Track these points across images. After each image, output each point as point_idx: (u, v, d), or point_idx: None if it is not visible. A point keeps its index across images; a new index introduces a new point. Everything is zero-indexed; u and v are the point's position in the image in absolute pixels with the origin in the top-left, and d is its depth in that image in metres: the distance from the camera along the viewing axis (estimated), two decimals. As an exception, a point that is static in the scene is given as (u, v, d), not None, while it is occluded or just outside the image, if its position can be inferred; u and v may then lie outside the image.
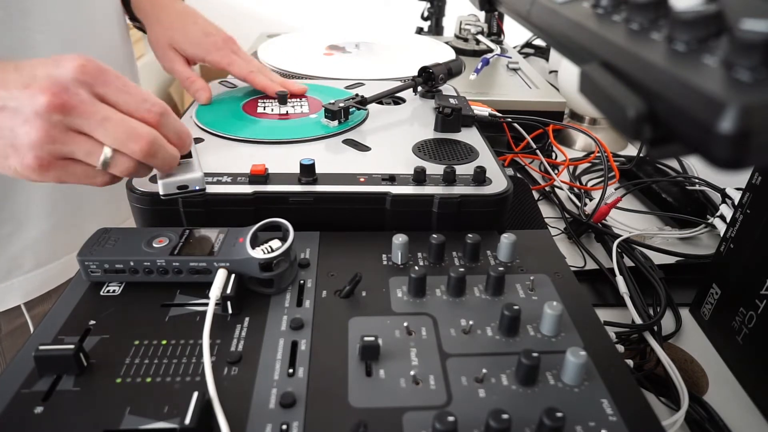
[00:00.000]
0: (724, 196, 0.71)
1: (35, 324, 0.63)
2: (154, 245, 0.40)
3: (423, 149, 0.55)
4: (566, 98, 0.90)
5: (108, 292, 0.39)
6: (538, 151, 0.81)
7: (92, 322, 0.36)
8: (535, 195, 0.78)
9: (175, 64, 0.66)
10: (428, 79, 0.69)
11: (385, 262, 0.43)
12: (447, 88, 0.72)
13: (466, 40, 1.20)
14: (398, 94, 0.68)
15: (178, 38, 0.66)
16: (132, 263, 0.39)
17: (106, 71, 0.38)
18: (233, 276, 0.38)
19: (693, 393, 0.47)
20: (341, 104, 0.59)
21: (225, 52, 0.67)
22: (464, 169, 0.50)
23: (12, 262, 0.61)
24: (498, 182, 0.48)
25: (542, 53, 1.45)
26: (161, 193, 0.43)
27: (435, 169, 0.50)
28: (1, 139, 0.37)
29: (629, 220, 0.75)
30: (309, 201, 0.46)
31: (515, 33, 1.36)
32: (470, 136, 0.59)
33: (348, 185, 0.47)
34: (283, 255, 0.39)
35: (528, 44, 1.48)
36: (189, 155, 0.46)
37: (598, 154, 0.83)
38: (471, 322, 0.37)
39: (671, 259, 0.65)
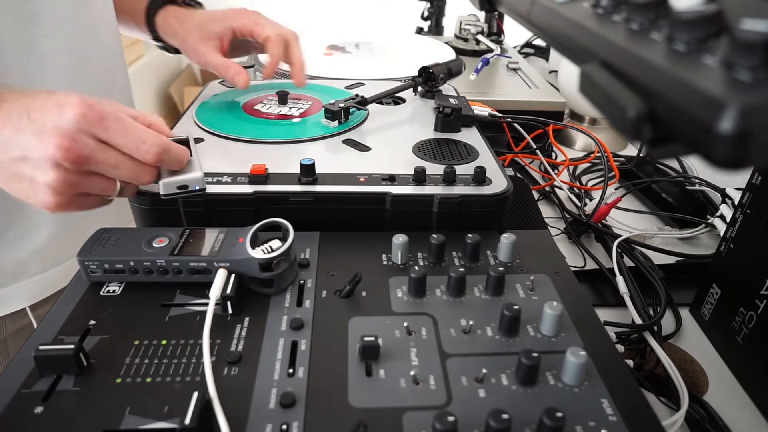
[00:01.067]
0: (724, 196, 0.71)
1: None
2: (154, 245, 0.40)
3: (423, 149, 0.55)
4: (566, 98, 0.90)
5: (108, 292, 0.39)
6: (538, 151, 0.81)
7: (92, 322, 0.37)
8: (535, 195, 0.78)
9: (206, 55, 0.66)
10: (428, 79, 0.69)
11: (385, 262, 0.43)
12: (447, 88, 0.72)
13: (466, 40, 1.20)
14: (398, 94, 0.68)
15: (205, 25, 0.66)
16: (132, 263, 0.39)
17: (106, 117, 0.40)
18: (233, 276, 0.38)
19: (693, 393, 0.47)
20: (341, 104, 0.59)
21: (250, 15, 0.67)
22: (464, 169, 0.50)
23: (19, 266, 0.61)
24: (498, 182, 0.48)
25: (542, 53, 1.45)
26: (161, 193, 0.43)
27: (435, 169, 0.50)
28: (23, 183, 0.40)
29: (629, 220, 0.75)
30: (309, 201, 0.46)
31: (515, 33, 1.36)
32: (470, 136, 0.58)
33: (348, 185, 0.47)
34: (283, 255, 0.39)
35: (528, 44, 1.48)
36: (189, 155, 0.46)
37: (598, 154, 0.83)
38: (471, 322, 0.37)
39: (671, 259, 0.65)
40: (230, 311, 0.37)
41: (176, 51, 0.72)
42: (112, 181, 0.42)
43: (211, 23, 0.66)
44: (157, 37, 0.72)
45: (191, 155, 0.47)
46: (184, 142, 0.47)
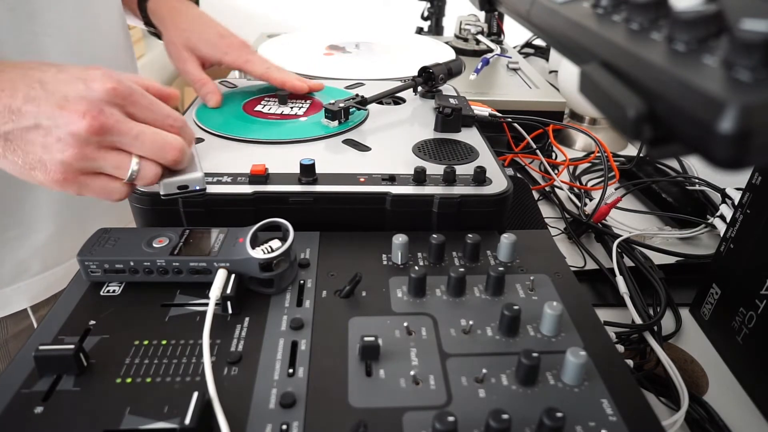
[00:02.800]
0: (724, 196, 0.71)
1: None
2: (154, 245, 0.40)
3: (423, 149, 0.55)
4: (566, 98, 0.90)
5: (108, 292, 0.39)
6: (538, 151, 0.81)
7: (92, 322, 0.37)
8: (535, 195, 0.78)
9: (188, 64, 0.66)
10: (428, 79, 0.69)
11: (385, 262, 0.43)
12: (447, 88, 0.72)
13: (466, 40, 1.20)
14: (398, 94, 0.68)
15: (194, 40, 0.66)
16: (132, 263, 0.39)
17: (134, 92, 0.40)
18: (233, 276, 0.38)
19: (693, 393, 0.47)
20: (341, 104, 0.59)
21: (241, 52, 0.67)
22: (464, 169, 0.50)
23: (19, 266, 0.61)
24: (498, 182, 0.48)
25: (542, 53, 1.45)
26: (161, 193, 0.43)
27: (435, 169, 0.50)
28: (30, 154, 0.39)
29: (629, 220, 0.75)
30: (309, 201, 0.46)
31: (515, 33, 1.36)
32: (470, 136, 0.58)
33: (348, 185, 0.47)
34: (283, 255, 0.39)
35: (528, 44, 1.48)
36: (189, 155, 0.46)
37: (598, 154, 0.83)
38: (471, 322, 0.37)
39: (671, 259, 0.65)
40: (230, 311, 0.37)
41: None
42: (128, 157, 0.40)
43: (201, 43, 0.66)
44: (148, 22, 0.72)
45: (191, 153, 0.47)
46: None
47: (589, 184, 0.84)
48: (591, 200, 0.75)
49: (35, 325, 0.64)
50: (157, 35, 0.73)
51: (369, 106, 0.63)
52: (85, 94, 0.38)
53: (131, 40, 0.75)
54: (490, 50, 1.12)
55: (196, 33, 0.67)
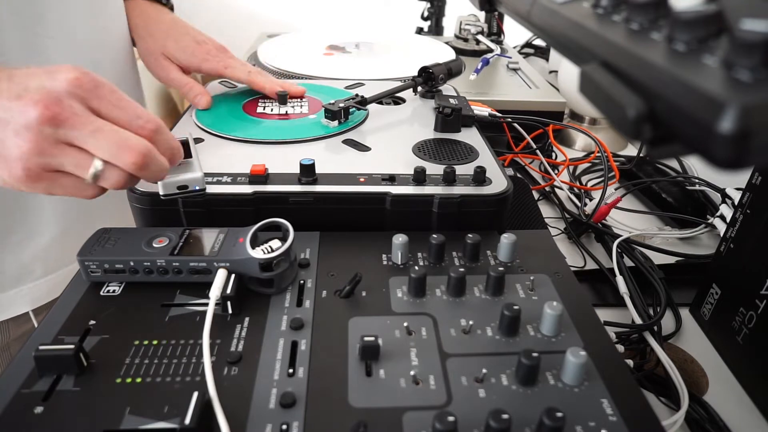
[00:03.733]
0: (724, 196, 0.71)
1: None
2: (154, 245, 0.40)
3: (423, 149, 0.55)
4: (566, 98, 0.90)
5: (108, 292, 0.39)
6: (538, 151, 0.81)
7: (92, 322, 0.36)
8: (535, 195, 0.78)
9: (170, 72, 0.66)
10: (428, 79, 0.69)
11: (385, 262, 0.43)
12: (447, 88, 0.72)
13: (466, 40, 1.20)
14: (398, 94, 0.68)
15: (171, 48, 0.66)
16: (132, 263, 0.39)
17: (101, 85, 0.38)
18: (233, 276, 0.38)
19: (693, 393, 0.47)
20: (341, 104, 0.59)
21: (220, 57, 0.67)
22: (464, 169, 0.50)
23: (22, 269, 0.61)
24: (498, 182, 0.48)
25: (542, 53, 1.45)
26: (161, 193, 0.43)
27: (435, 169, 0.50)
28: None
29: (629, 220, 0.75)
30: (309, 201, 0.46)
31: (515, 33, 1.36)
32: (470, 136, 0.58)
33: (348, 185, 0.47)
34: (283, 255, 0.39)
35: (528, 44, 1.48)
36: (189, 155, 0.46)
37: (598, 154, 0.83)
38: (471, 322, 0.37)
39: (671, 259, 0.65)
40: (230, 311, 0.37)
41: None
42: (88, 156, 0.37)
43: (179, 51, 0.66)
44: None
45: (191, 156, 0.47)
46: (184, 143, 0.47)
47: (589, 184, 0.84)
48: (591, 200, 0.75)
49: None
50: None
51: (369, 106, 0.63)
52: (46, 84, 0.36)
53: (133, 48, 0.74)
54: (490, 50, 1.12)
55: (171, 41, 0.66)
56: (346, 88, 0.73)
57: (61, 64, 0.37)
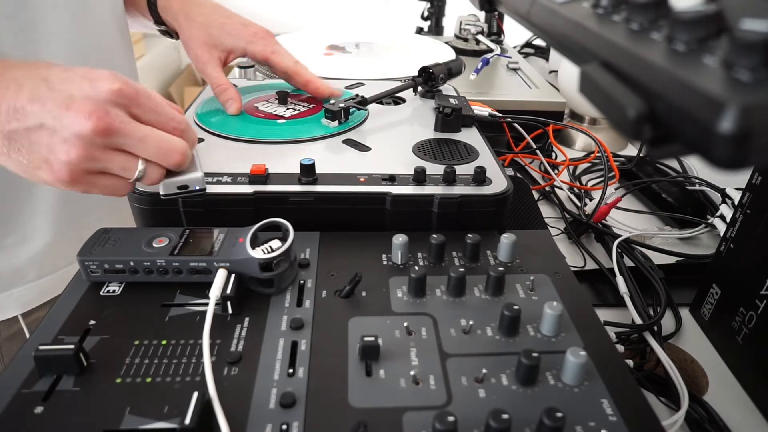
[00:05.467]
0: (724, 196, 0.71)
1: (31, 330, 0.63)
2: (154, 245, 0.40)
3: (423, 149, 0.55)
4: (566, 98, 0.90)
5: (108, 292, 0.39)
6: (538, 151, 0.81)
7: (92, 322, 0.36)
8: (535, 195, 0.78)
9: (208, 66, 0.62)
10: (428, 79, 0.69)
11: (385, 262, 0.43)
12: (447, 88, 0.72)
13: (466, 40, 1.20)
14: (398, 94, 0.68)
15: (216, 33, 0.63)
16: (132, 263, 0.39)
17: (140, 93, 0.40)
18: (233, 276, 0.38)
19: (693, 393, 0.47)
20: (341, 104, 0.59)
21: (267, 41, 0.64)
22: (464, 169, 0.50)
23: (16, 273, 0.61)
24: (498, 182, 0.48)
25: (542, 53, 1.45)
26: (161, 193, 0.43)
27: (435, 169, 0.50)
28: (35, 153, 0.38)
29: (629, 220, 0.75)
30: (309, 201, 0.46)
31: (515, 33, 1.36)
32: (470, 136, 0.58)
33: (348, 185, 0.47)
34: (283, 255, 0.39)
35: (528, 44, 1.48)
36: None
37: (598, 154, 0.83)
38: (471, 322, 0.37)
39: (671, 259, 0.65)
40: (230, 311, 0.37)
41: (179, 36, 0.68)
42: (134, 159, 0.40)
43: (224, 35, 0.63)
44: (158, 20, 0.68)
45: (191, 153, 0.47)
46: None
47: (589, 184, 0.84)
48: (591, 200, 0.75)
49: (25, 330, 0.63)
50: (170, 34, 0.70)
51: (369, 106, 0.63)
52: (91, 94, 0.37)
53: (132, 44, 0.74)
54: (490, 50, 1.12)
55: (216, 25, 0.63)
56: (346, 88, 0.73)
57: (92, 69, 0.39)
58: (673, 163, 0.88)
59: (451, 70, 0.70)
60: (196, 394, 0.29)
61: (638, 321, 0.53)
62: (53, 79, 0.38)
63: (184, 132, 0.43)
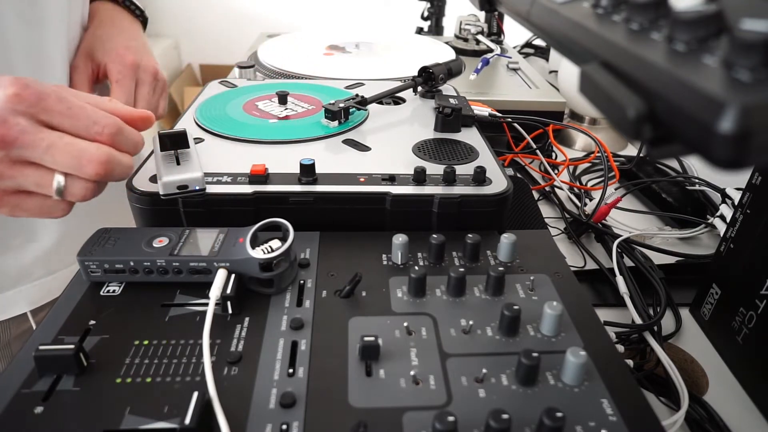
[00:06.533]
0: (724, 196, 0.71)
1: None
2: (154, 245, 0.40)
3: (423, 149, 0.55)
4: (566, 98, 0.90)
5: (108, 292, 0.39)
6: (538, 151, 0.81)
7: (92, 322, 0.36)
8: (535, 195, 0.78)
9: (75, 72, 0.59)
10: (428, 79, 0.69)
11: (385, 262, 0.43)
12: (447, 88, 0.72)
13: (466, 40, 1.20)
14: (398, 94, 0.68)
15: (97, 46, 0.60)
16: (132, 263, 0.39)
17: (46, 96, 0.35)
18: (233, 276, 0.38)
19: (693, 393, 0.47)
20: (341, 104, 0.59)
21: (128, 71, 0.59)
22: (464, 169, 0.50)
23: (23, 271, 0.61)
24: (498, 182, 0.48)
25: (542, 53, 1.45)
26: (161, 193, 0.43)
27: (435, 169, 0.50)
28: None
29: (629, 220, 0.75)
30: (309, 201, 0.46)
31: (515, 33, 1.36)
32: (470, 136, 0.59)
33: (348, 185, 0.47)
34: (283, 255, 0.39)
35: (528, 44, 1.48)
36: (187, 146, 0.46)
37: (598, 154, 0.83)
38: (471, 322, 0.37)
39: (671, 259, 0.65)
40: (230, 311, 0.37)
41: None
42: (48, 172, 0.35)
43: (101, 51, 0.60)
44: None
45: (191, 153, 0.47)
46: (182, 135, 0.47)
47: (589, 184, 0.84)
48: (591, 200, 0.75)
49: (35, 327, 0.64)
50: None
51: (369, 106, 0.63)
52: None
53: None
54: (490, 50, 1.12)
55: (102, 40, 0.60)
56: (346, 88, 0.73)
57: (1, 76, 0.35)
58: (673, 163, 0.88)
59: (451, 70, 0.70)
60: (196, 394, 0.29)
61: (638, 321, 0.53)
62: None
63: (113, 136, 0.37)
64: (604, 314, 0.55)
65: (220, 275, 0.38)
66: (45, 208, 0.38)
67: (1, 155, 0.34)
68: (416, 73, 0.69)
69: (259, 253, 0.38)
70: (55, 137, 0.35)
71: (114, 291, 0.39)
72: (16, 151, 0.34)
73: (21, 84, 0.35)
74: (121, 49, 0.60)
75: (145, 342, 0.35)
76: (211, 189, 0.45)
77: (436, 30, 1.44)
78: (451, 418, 0.28)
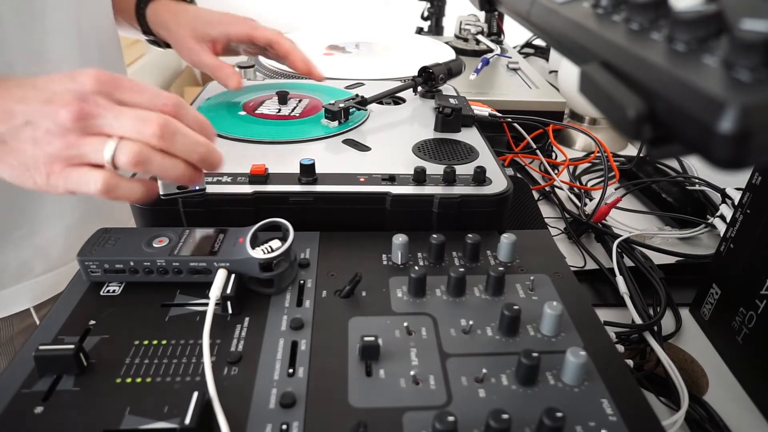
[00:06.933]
0: (724, 196, 0.71)
1: None
2: (154, 245, 0.40)
3: (423, 149, 0.55)
4: (566, 98, 0.90)
5: (108, 292, 0.39)
6: (538, 151, 0.81)
7: (92, 322, 0.36)
8: (535, 195, 0.78)
9: (201, 55, 0.66)
10: (428, 79, 0.69)
11: (385, 262, 0.43)
12: (447, 88, 0.72)
13: (466, 40, 1.20)
14: (398, 94, 0.68)
15: (200, 26, 0.66)
16: (132, 263, 0.39)
17: (120, 78, 0.39)
18: (233, 276, 0.38)
19: (693, 393, 0.47)
20: (341, 104, 0.59)
21: (248, 22, 0.67)
22: (464, 169, 0.50)
23: (23, 266, 0.61)
24: (498, 182, 0.48)
25: (542, 53, 1.45)
26: (161, 192, 0.43)
27: (435, 169, 0.50)
28: (23, 152, 0.38)
29: (629, 220, 0.75)
30: (309, 201, 0.46)
31: (515, 33, 1.36)
32: (470, 136, 0.58)
33: (348, 185, 0.47)
34: (283, 255, 0.39)
35: (528, 44, 1.48)
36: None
37: (598, 154, 0.83)
38: (471, 322, 0.37)
39: (671, 259, 0.65)
40: (230, 311, 0.37)
41: (167, 45, 0.71)
42: (107, 138, 0.38)
43: (207, 26, 0.66)
44: (147, 30, 0.71)
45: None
46: None
47: (589, 184, 0.84)
48: (591, 200, 0.75)
49: (38, 323, 0.64)
50: (157, 43, 0.73)
51: (369, 106, 0.63)
52: (71, 86, 0.38)
53: (121, 47, 0.74)
54: (490, 50, 1.12)
55: (200, 21, 0.67)
56: (346, 88, 0.73)
57: (81, 69, 0.39)
58: (673, 163, 0.88)
59: (451, 70, 0.70)
60: (196, 394, 0.29)
61: (638, 321, 0.53)
62: (39, 82, 0.39)
63: (175, 107, 0.40)
64: (604, 314, 0.55)
65: (220, 275, 0.38)
66: (87, 179, 0.39)
67: (79, 126, 0.37)
68: (416, 73, 0.69)
69: (259, 253, 0.38)
70: (126, 108, 0.39)
71: (114, 291, 0.39)
72: (93, 121, 0.38)
73: (98, 70, 0.39)
74: (221, 15, 0.67)
75: (145, 342, 0.35)
76: (211, 189, 0.45)
77: (436, 30, 1.44)
78: (451, 418, 0.28)
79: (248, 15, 0.69)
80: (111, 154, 0.38)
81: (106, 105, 0.38)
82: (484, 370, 0.33)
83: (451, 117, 0.59)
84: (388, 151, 0.54)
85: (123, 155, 0.38)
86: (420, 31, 1.46)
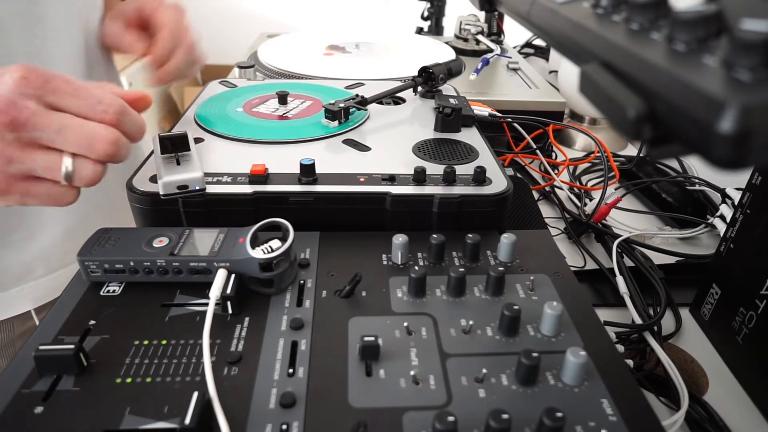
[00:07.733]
0: (724, 196, 0.71)
1: None
2: (154, 245, 0.40)
3: (423, 149, 0.55)
4: (566, 98, 0.90)
5: (108, 292, 0.39)
6: (538, 151, 0.81)
7: (92, 322, 0.36)
8: (535, 195, 0.78)
9: (122, 36, 0.60)
10: (428, 79, 0.69)
11: (385, 262, 0.43)
12: (447, 88, 0.72)
13: (466, 40, 1.20)
14: (398, 94, 0.68)
15: (119, 6, 0.61)
16: (132, 263, 0.39)
17: (52, 78, 0.36)
18: (233, 276, 0.38)
19: (693, 393, 0.47)
20: (341, 104, 0.59)
21: (166, 7, 0.59)
22: (464, 169, 0.50)
23: (23, 268, 0.61)
24: (498, 182, 0.48)
25: (542, 53, 1.45)
26: (161, 193, 0.43)
27: (435, 169, 0.50)
28: None
29: (629, 220, 0.75)
30: (309, 201, 0.46)
31: (515, 33, 1.36)
32: (470, 136, 0.58)
33: (348, 185, 0.47)
34: (283, 255, 0.39)
35: (528, 44, 1.48)
36: (188, 148, 0.46)
37: (598, 154, 0.83)
38: (471, 322, 0.37)
39: (671, 259, 0.65)
40: (230, 311, 0.37)
41: None
42: (58, 154, 0.35)
43: (125, 4, 0.61)
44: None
45: (191, 153, 0.47)
46: (183, 137, 0.47)
47: (589, 184, 0.84)
48: (591, 200, 0.75)
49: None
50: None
51: (369, 106, 0.63)
52: None
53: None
54: (490, 50, 1.12)
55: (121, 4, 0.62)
56: (346, 88, 0.73)
57: (5, 66, 0.35)
58: (673, 163, 0.88)
59: (451, 70, 0.70)
60: (196, 394, 0.29)
61: (638, 321, 0.53)
62: None
63: (118, 116, 0.37)
64: (604, 314, 0.55)
65: (220, 275, 0.38)
66: (54, 195, 0.37)
67: (12, 138, 0.34)
68: (416, 73, 0.69)
69: (259, 253, 0.38)
70: (66, 118, 0.35)
71: (114, 291, 0.39)
72: (28, 133, 0.34)
73: (27, 68, 0.35)
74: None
75: (145, 342, 0.35)
76: (211, 189, 0.45)
77: (436, 30, 1.44)
78: (451, 418, 0.28)
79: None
80: (68, 174, 0.36)
81: (38, 112, 0.34)
82: (484, 370, 0.33)
83: (451, 117, 0.59)
84: (388, 151, 0.54)
85: (82, 179, 0.36)
86: (420, 31, 1.46)
